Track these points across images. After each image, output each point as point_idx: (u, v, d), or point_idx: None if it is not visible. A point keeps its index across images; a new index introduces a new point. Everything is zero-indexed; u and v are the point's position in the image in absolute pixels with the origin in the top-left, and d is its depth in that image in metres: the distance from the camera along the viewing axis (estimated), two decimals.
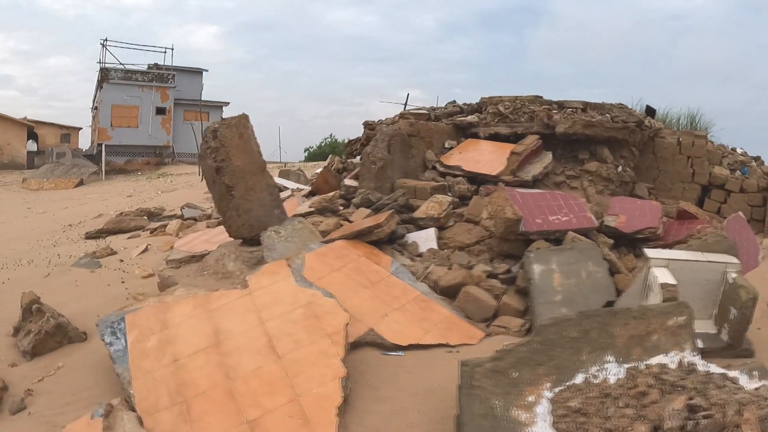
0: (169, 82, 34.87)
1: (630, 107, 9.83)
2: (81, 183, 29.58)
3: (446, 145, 9.36)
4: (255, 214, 6.40)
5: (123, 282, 6.87)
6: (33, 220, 15.22)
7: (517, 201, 6.50)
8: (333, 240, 6.14)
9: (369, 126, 11.30)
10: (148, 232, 10.41)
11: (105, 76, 33.61)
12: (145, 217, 12.54)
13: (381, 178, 8.16)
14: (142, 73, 34.75)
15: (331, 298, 4.55)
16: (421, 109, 11.61)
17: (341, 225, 7.04)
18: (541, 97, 9.61)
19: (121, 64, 34.90)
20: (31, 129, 49.17)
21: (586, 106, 9.15)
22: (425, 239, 6.89)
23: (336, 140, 40.02)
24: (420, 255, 6.57)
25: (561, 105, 9.27)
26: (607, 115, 8.92)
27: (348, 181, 9.06)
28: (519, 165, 8.19)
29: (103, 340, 4.37)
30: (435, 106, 12.04)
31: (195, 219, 10.71)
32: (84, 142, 46.90)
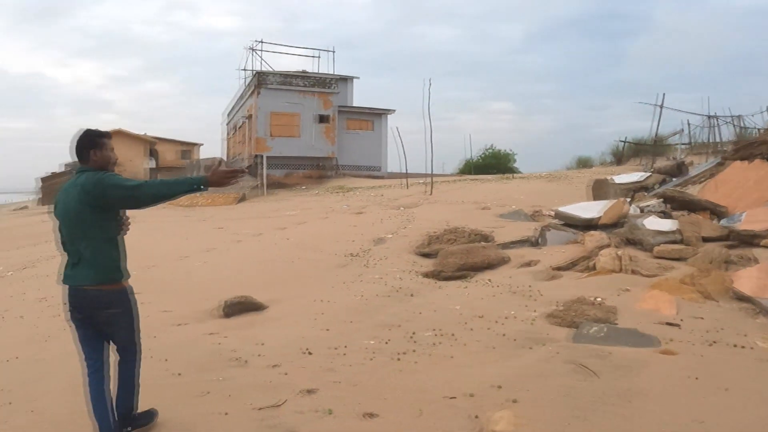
0: (331, 88, 30.85)
1: None
2: (243, 199, 25.76)
3: None
4: None
5: None
6: (266, 250, 10.54)
7: None
8: None
9: None
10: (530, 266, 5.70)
11: (262, 81, 29.97)
12: (482, 243, 7.71)
13: None
14: (301, 77, 30.95)
15: None
16: None
17: None
18: None
19: (273, 69, 31.31)
20: (151, 145, 47.45)
21: None
22: None
23: (499, 151, 38.97)
24: None
25: None
26: None
27: None
28: None
29: None
30: None
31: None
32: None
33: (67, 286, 3.35)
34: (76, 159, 3.40)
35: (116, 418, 3.37)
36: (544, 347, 4.40)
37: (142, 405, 3.72)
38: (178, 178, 3.37)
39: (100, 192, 3.19)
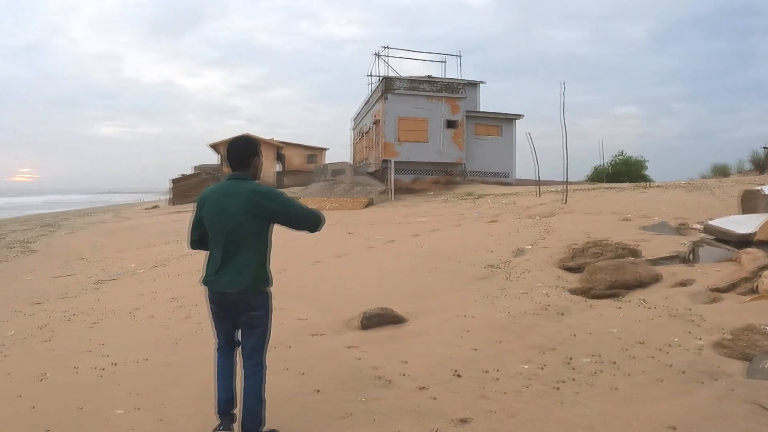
0: (459, 93, 30.40)
1: None
2: (370, 203, 25.85)
3: None
4: None
5: None
6: (400, 258, 10.30)
7: None
8: None
9: None
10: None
11: (389, 86, 30.05)
12: (629, 259, 6.97)
13: None
14: (429, 82, 30.73)
15: None
16: None
17: None
18: None
19: (399, 75, 31.29)
20: (278, 150, 49.29)
21: None
22: None
23: (630, 157, 37.55)
24: None
25: None
26: None
27: None
28: None
29: None
30: None
31: None
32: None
33: (211, 289, 3.29)
34: (237, 165, 3.33)
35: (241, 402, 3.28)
36: (717, 382, 3.95)
37: (279, 421, 3.49)
38: (318, 213, 3.42)
39: (267, 204, 3.20)
